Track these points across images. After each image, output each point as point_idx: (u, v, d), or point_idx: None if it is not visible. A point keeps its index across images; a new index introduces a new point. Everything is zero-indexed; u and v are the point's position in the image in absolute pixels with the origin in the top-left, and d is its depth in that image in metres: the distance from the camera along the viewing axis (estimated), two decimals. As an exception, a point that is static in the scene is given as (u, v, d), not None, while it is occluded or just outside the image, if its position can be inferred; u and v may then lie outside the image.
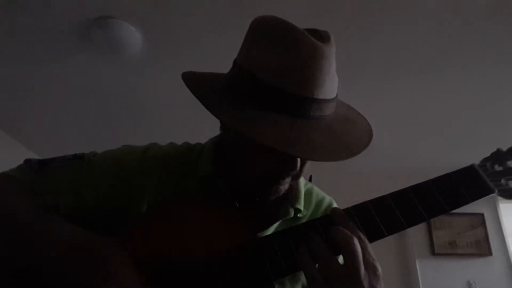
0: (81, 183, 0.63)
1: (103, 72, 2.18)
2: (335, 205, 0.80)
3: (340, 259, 0.52)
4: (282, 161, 0.58)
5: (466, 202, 0.59)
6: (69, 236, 0.53)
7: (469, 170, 0.62)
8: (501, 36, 1.80)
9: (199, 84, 0.61)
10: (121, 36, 1.83)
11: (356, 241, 0.51)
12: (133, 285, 0.49)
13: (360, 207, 0.59)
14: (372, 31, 1.81)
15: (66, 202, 0.61)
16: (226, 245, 0.56)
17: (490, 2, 1.61)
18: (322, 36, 0.58)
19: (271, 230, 0.66)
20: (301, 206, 0.70)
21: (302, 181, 0.75)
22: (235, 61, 0.62)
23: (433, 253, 3.00)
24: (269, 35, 0.57)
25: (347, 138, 0.58)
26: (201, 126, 1.74)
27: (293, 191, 0.71)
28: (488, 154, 0.67)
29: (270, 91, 0.54)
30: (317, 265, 0.52)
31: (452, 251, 3.00)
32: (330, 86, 0.57)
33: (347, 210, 0.58)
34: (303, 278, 0.68)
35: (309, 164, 0.64)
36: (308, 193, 0.77)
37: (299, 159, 0.59)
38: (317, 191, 0.80)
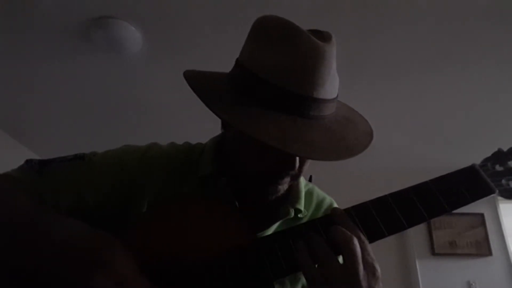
0: (81, 183, 0.63)
1: (103, 72, 2.18)
2: (335, 205, 0.79)
3: (340, 259, 0.52)
4: (281, 161, 0.58)
5: (467, 202, 0.59)
6: (70, 235, 0.53)
7: (470, 170, 0.62)
8: (500, 36, 1.80)
9: (201, 82, 0.61)
10: (121, 36, 1.83)
11: (355, 241, 0.51)
12: (135, 285, 0.49)
13: (361, 207, 0.59)
14: (372, 31, 1.81)
15: (67, 202, 0.61)
16: (226, 245, 0.56)
17: (490, 2, 1.61)
18: (324, 37, 0.58)
19: (271, 230, 0.66)
20: (301, 206, 0.70)
21: (302, 181, 0.75)
22: (237, 60, 0.62)
23: (433, 253, 3.00)
24: (271, 34, 0.57)
25: (347, 139, 0.58)
26: (201, 126, 1.74)
27: (293, 191, 0.71)
28: (489, 154, 0.67)
29: (271, 90, 0.55)
30: (316, 265, 0.52)
31: (452, 251, 3.00)
32: (331, 86, 0.57)
33: (347, 210, 0.58)
34: (303, 278, 0.68)
35: (308, 164, 0.64)
36: (309, 194, 0.77)
37: (298, 159, 0.59)
38: (318, 192, 0.80)
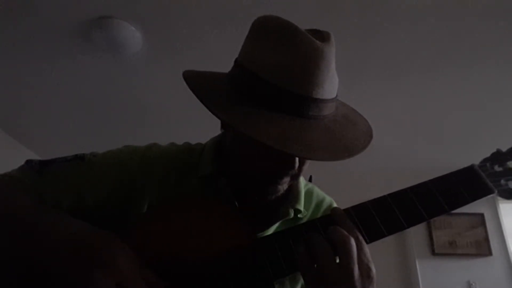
0: (81, 183, 0.63)
1: (103, 72, 2.18)
2: (335, 205, 0.79)
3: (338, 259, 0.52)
4: (280, 161, 0.58)
5: (466, 202, 0.59)
6: (70, 235, 0.53)
7: (469, 171, 0.63)
8: (501, 36, 1.80)
9: (200, 82, 0.61)
10: (121, 36, 1.83)
11: (352, 241, 0.51)
12: (135, 285, 0.49)
13: (360, 207, 0.59)
14: (372, 31, 1.81)
15: (67, 202, 0.61)
16: (226, 245, 0.57)
17: (490, 2, 1.61)
18: (323, 37, 0.58)
19: (271, 230, 0.67)
20: (301, 206, 0.70)
21: (302, 181, 0.75)
22: (236, 60, 0.62)
23: (433, 253, 3.00)
24: (270, 34, 0.57)
25: (346, 139, 0.58)
26: (201, 126, 1.74)
27: (293, 192, 0.71)
28: (488, 155, 0.67)
29: (270, 90, 0.55)
30: (316, 265, 0.52)
31: (452, 251, 3.00)
32: (330, 86, 0.57)
33: (347, 210, 0.59)
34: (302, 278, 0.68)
35: (308, 164, 0.64)
36: (309, 194, 0.77)
37: (297, 159, 0.59)
38: (318, 192, 0.80)
